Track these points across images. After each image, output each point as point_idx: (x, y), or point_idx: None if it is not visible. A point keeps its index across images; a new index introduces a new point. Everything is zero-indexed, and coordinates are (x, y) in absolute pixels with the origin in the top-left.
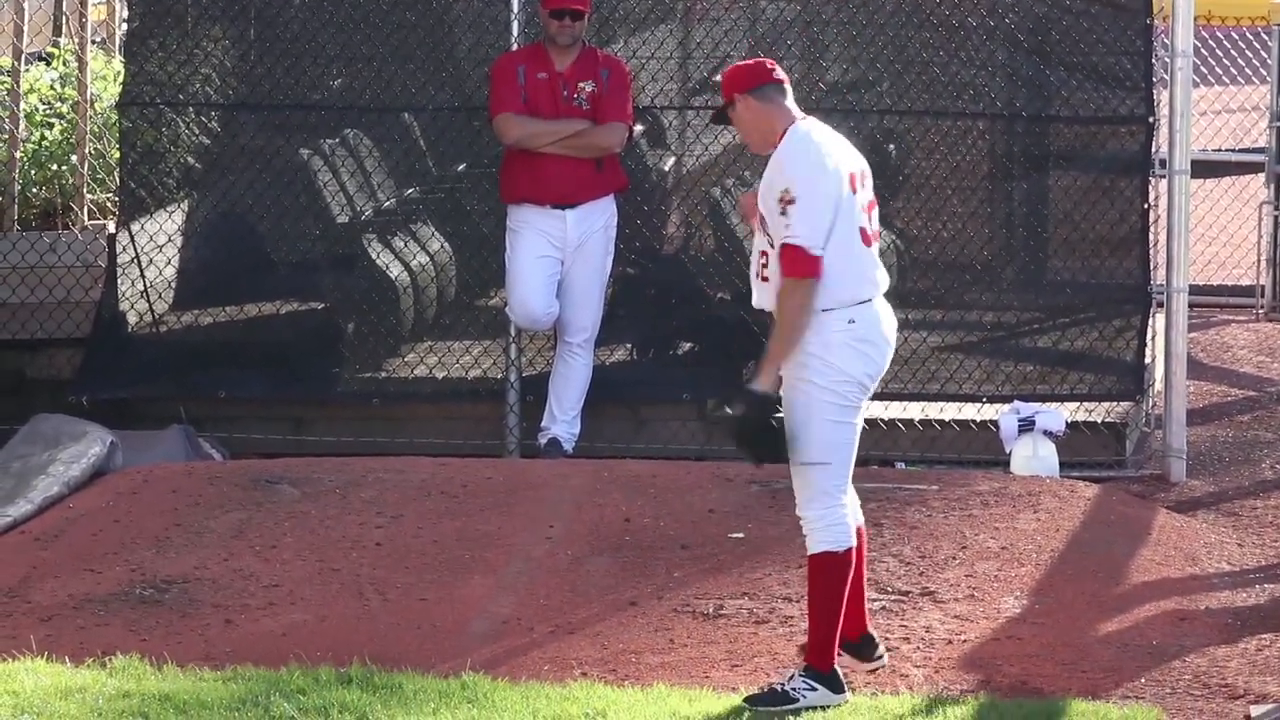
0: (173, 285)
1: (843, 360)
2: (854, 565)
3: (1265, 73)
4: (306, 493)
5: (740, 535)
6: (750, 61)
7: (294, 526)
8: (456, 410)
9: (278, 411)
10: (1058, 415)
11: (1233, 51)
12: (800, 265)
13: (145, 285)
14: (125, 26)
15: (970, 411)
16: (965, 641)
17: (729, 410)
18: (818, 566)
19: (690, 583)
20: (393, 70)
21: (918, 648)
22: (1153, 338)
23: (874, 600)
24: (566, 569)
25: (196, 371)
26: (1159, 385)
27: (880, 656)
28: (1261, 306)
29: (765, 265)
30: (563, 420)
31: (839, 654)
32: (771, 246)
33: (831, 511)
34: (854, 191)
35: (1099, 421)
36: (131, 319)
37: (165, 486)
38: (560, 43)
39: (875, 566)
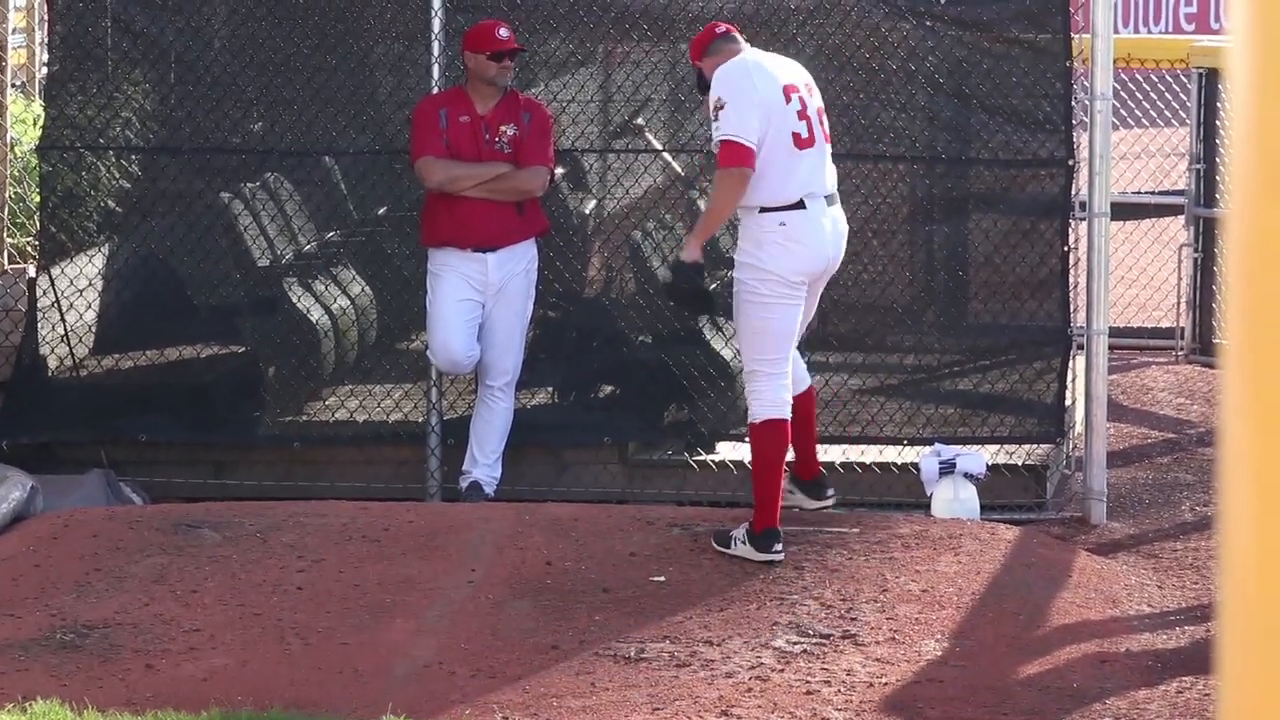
0: (93, 329)
1: (771, 258)
2: (806, 418)
3: (1185, 115)
4: (227, 537)
5: (662, 579)
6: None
7: (215, 571)
8: (377, 454)
9: (198, 455)
10: (978, 458)
11: (1152, 94)
12: (731, 155)
13: (66, 329)
14: (45, 70)
15: (891, 454)
16: (887, 684)
17: (659, 275)
18: (756, 434)
19: (611, 626)
20: (313, 113)
21: (839, 690)
22: (1073, 380)
23: (795, 643)
24: (488, 613)
25: (117, 415)
26: (1079, 427)
27: (830, 497)
28: (1181, 349)
29: None
30: (484, 464)
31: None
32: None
33: (766, 385)
34: (787, 101)
35: (1020, 464)
36: (52, 363)
37: (86, 531)
38: (500, 84)
39: (796, 609)
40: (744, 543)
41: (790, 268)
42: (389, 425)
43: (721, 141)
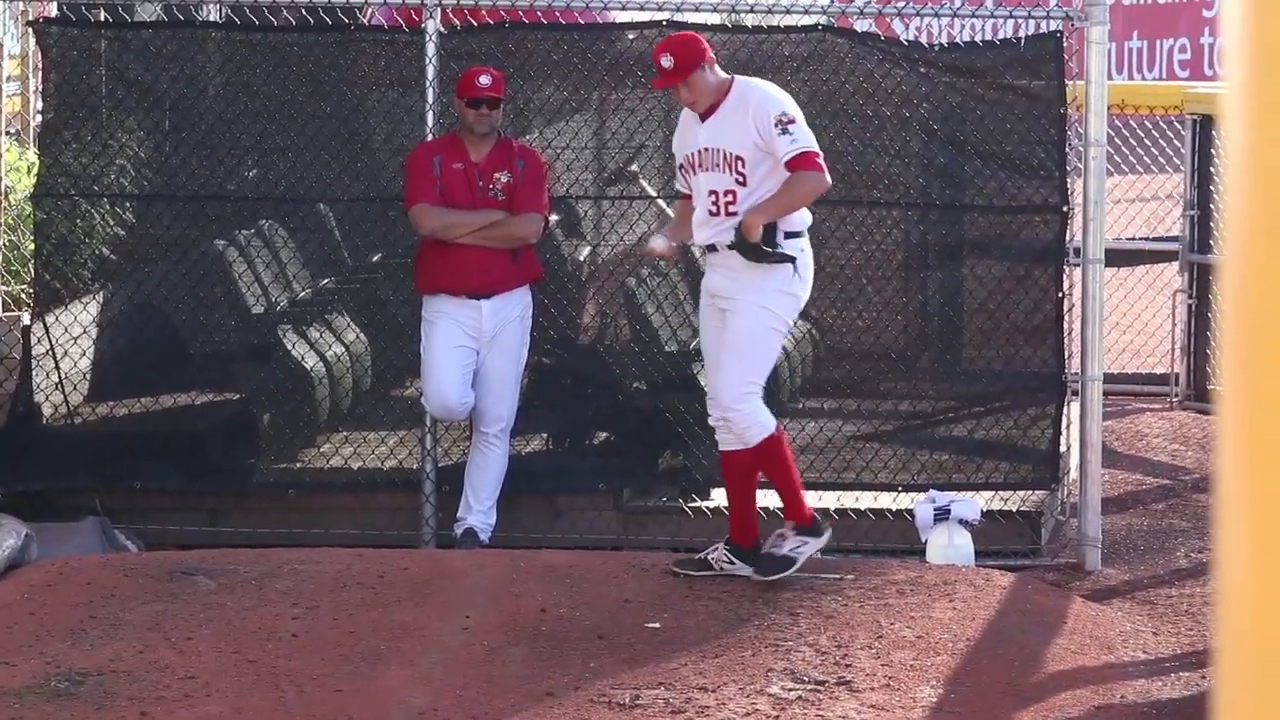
0: (87, 376)
1: (803, 283)
2: (751, 477)
3: (1179, 161)
4: (222, 584)
5: (657, 625)
6: (687, 36)
7: (210, 618)
8: (372, 501)
9: (193, 502)
10: (973, 504)
11: (1146, 141)
12: (819, 164)
13: (60, 377)
14: (40, 118)
15: (886, 500)
16: None
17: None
18: (763, 451)
19: (606, 673)
20: (308, 161)
21: None
22: (1068, 426)
23: (790, 690)
24: (483, 660)
25: (111, 463)
26: (1074, 474)
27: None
28: (1176, 395)
29: (731, 202)
30: (479, 510)
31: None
32: (741, 184)
33: (758, 404)
34: None
35: (1014, 510)
36: (46, 410)
37: (81, 579)
38: (478, 131)
39: (791, 656)
40: (806, 542)
41: (807, 292)
42: (384, 472)
43: (805, 153)
